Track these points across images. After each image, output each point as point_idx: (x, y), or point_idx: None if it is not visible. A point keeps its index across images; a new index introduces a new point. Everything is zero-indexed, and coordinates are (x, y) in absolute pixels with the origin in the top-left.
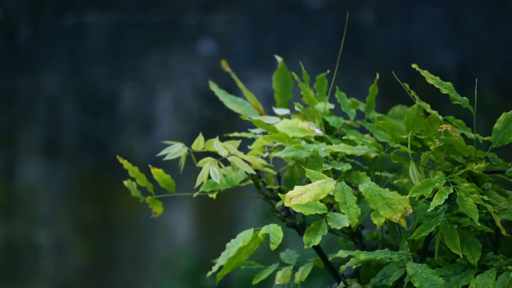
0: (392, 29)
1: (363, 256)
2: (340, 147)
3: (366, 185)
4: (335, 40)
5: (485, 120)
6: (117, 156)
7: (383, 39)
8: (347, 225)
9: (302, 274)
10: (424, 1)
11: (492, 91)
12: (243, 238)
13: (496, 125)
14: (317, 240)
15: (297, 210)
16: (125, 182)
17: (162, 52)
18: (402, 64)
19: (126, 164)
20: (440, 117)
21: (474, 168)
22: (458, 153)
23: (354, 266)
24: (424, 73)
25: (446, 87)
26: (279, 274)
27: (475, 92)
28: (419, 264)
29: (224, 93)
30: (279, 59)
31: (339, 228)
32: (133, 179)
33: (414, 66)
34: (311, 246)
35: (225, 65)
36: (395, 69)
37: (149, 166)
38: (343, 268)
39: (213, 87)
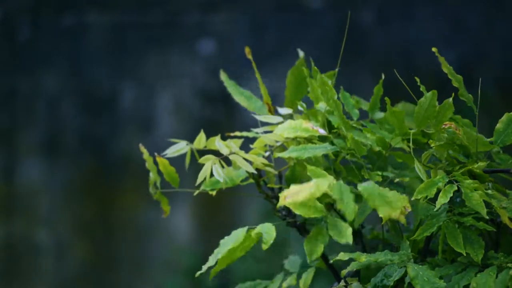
0: (392, 29)
1: (363, 258)
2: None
3: (365, 185)
4: (335, 40)
5: (486, 120)
6: (140, 145)
7: (383, 39)
8: (350, 240)
9: (305, 280)
10: (424, 1)
11: (492, 91)
12: (235, 238)
13: (498, 125)
14: (319, 250)
15: (297, 212)
16: (151, 174)
17: (162, 52)
18: (402, 64)
19: (145, 153)
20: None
21: (475, 167)
22: (460, 150)
23: (355, 269)
24: (441, 59)
25: (457, 80)
26: (284, 286)
27: (479, 91)
28: (420, 266)
29: (233, 84)
30: (301, 53)
31: (342, 242)
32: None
33: (434, 50)
34: (314, 258)
35: (247, 52)
36: (394, 69)
37: (155, 154)
38: (344, 272)
39: (223, 76)
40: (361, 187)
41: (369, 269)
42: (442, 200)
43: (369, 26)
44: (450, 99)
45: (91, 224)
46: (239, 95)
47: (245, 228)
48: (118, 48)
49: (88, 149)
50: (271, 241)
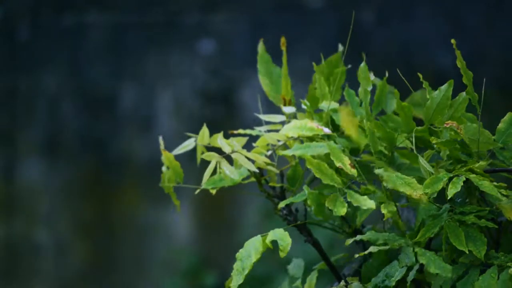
0: (392, 29)
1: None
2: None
3: (381, 169)
4: (335, 40)
5: (486, 120)
6: (159, 136)
7: (383, 39)
8: (373, 206)
9: (310, 284)
10: (424, 1)
11: (492, 91)
12: (254, 250)
13: (500, 125)
14: (342, 210)
15: (316, 175)
16: (164, 168)
17: (162, 52)
18: (402, 64)
19: (162, 146)
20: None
21: (476, 167)
22: (462, 149)
23: (356, 267)
24: (457, 53)
25: (468, 77)
26: None
27: (482, 91)
28: (427, 251)
29: (267, 60)
30: (340, 48)
31: (364, 207)
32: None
33: (452, 41)
34: (339, 215)
35: (283, 43)
36: (394, 69)
37: (161, 148)
38: (347, 264)
39: (260, 48)
40: (378, 170)
41: (369, 268)
42: (453, 190)
43: (369, 26)
44: (464, 93)
45: (91, 224)
46: (265, 75)
47: (259, 237)
48: (118, 48)
49: (88, 149)
50: (288, 248)
